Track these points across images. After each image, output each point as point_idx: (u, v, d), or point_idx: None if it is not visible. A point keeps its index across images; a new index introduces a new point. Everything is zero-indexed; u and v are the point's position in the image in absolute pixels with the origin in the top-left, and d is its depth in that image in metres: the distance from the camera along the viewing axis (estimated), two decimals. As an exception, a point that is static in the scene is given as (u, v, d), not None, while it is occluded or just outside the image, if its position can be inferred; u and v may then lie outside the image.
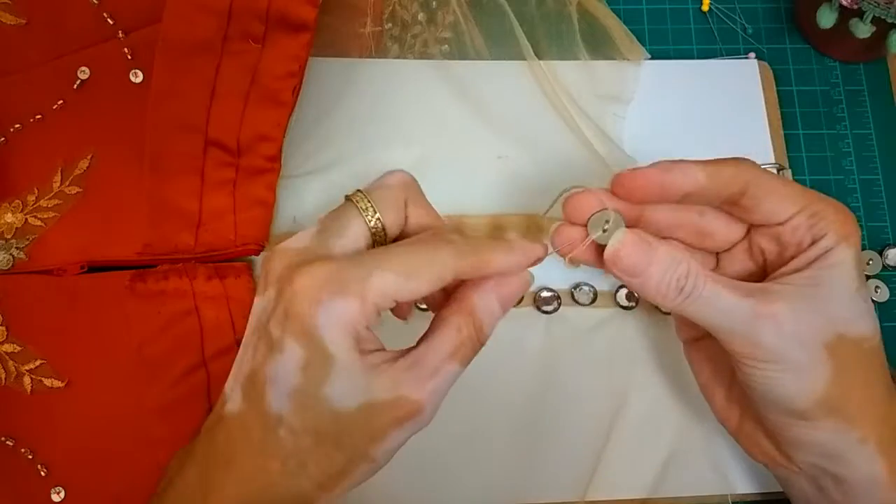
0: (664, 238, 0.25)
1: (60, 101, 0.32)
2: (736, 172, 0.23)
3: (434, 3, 0.37)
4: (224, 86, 0.29)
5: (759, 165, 0.24)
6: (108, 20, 0.33)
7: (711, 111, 0.36)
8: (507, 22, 0.36)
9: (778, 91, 0.37)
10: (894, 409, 0.23)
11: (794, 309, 0.22)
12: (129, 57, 0.32)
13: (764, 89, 0.37)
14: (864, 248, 0.35)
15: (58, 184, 0.31)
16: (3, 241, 0.31)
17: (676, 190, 0.24)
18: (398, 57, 0.36)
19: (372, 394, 0.21)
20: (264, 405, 0.21)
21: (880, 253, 0.35)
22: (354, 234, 0.23)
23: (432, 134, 0.35)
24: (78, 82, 0.32)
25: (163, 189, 0.29)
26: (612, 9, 0.37)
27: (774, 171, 0.35)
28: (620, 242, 0.23)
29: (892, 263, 0.35)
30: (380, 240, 0.24)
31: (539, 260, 0.23)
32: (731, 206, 0.25)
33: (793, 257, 0.23)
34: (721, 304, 0.22)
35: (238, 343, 0.29)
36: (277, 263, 0.22)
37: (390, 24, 0.36)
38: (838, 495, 0.24)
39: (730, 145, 0.35)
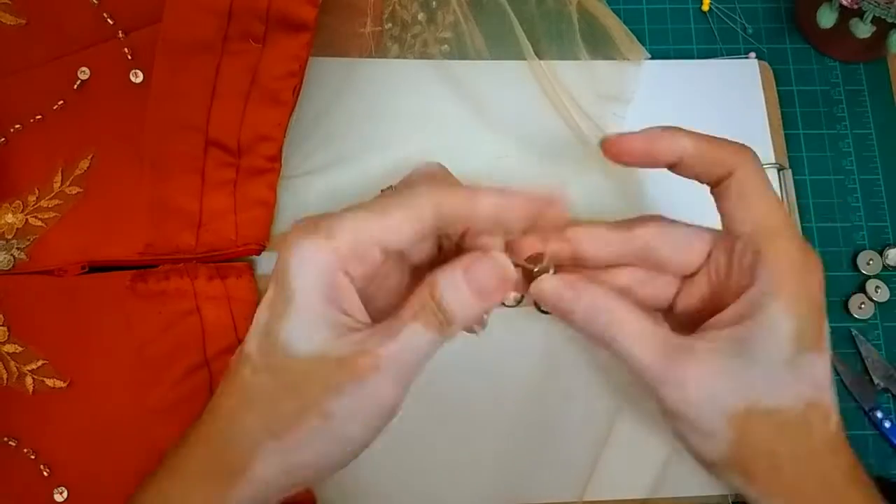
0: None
1: (61, 102, 0.32)
2: (726, 159, 0.22)
3: (434, 3, 0.37)
4: (224, 86, 0.29)
5: (759, 162, 0.23)
6: (108, 20, 0.33)
7: (711, 111, 0.36)
8: (508, 22, 0.36)
9: (778, 91, 0.37)
10: (803, 480, 0.21)
11: (705, 374, 0.21)
12: (130, 57, 0.32)
13: (764, 89, 0.37)
14: (864, 249, 0.35)
15: (58, 184, 0.31)
16: (4, 242, 0.31)
17: (663, 159, 0.23)
18: (398, 57, 0.36)
19: (332, 346, 0.20)
20: (244, 347, 0.21)
21: (880, 253, 0.35)
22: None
23: (432, 134, 0.35)
24: (78, 82, 0.32)
25: (163, 189, 0.29)
26: (612, 9, 0.37)
27: (775, 171, 0.35)
28: (540, 289, 0.23)
29: (892, 263, 0.35)
30: None
31: (550, 205, 0.21)
32: (716, 195, 0.23)
33: (733, 294, 0.22)
34: (634, 361, 0.21)
35: (240, 343, 0.29)
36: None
37: (390, 24, 0.36)
38: None
39: (730, 145, 0.36)
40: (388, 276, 0.23)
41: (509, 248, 0.24)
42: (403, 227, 0.20)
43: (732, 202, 0.22)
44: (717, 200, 0.24)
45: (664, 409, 0.22)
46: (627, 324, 0.21)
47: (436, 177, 0.24)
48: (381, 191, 0.24)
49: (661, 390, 0.21)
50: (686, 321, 0.24)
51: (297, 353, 0.20)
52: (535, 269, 0.23)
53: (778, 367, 0.20)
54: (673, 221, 0.24)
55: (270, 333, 0.20)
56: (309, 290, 0.20)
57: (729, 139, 0.23)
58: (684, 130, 0.23)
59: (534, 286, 0.23)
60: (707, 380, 0.21)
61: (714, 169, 0.23)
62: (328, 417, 0.20)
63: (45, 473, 0.28)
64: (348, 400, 0.20)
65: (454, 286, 0.21)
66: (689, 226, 0.24)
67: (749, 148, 0.23)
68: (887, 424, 0.33)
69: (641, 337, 0.21)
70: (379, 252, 0.21)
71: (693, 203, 0.35)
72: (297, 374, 0.20)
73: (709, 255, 0.23)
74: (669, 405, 0.21)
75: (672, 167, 0.24)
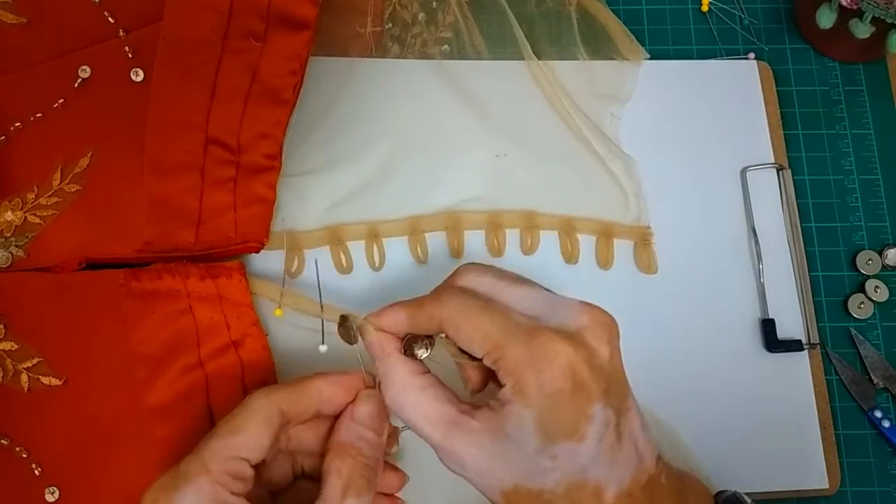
0: None
1: (61, 100, 0.32)
2: (431, 313, 0.24)
3: (434, 3, 0.37)
4: (224, 84, 0.29)
5: (465, 298, 0.24)
6: (109, 19, 0.33)
7: (711, 111, 0.36)
8: (507, 22, 0.36)
9: (777, 91, 0.37)
10: None
11: (479, 452, 0.22)
12: (130, 55, 0.32)
13: (764, 89, 0.37)
14: (863, 248, 0.35)
15: (57, 182, 0.31)
16: (3, 240, 0.31)
17: (396, 331, 0.25)
18: (398, 57, 0.36)
19: None
20: None
21: (880, 253, 0.35)
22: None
23: (432, 133, 0.35)
24: (79, 81, 0.32)
25: (163, 187, 0.29)
26: (611, 9, 0.37)
27: (774, 171, 0.35)
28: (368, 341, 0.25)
29: (891, 263, 0.35)
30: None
31: (364, 387, 0.25)
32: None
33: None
34: (423, 436, 0.24)
35: (234, 344, 0.29)
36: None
37: (391, 24, 0.37)
38: None
39: (730, 145, 0.36)
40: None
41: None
42: (261, 434, 0.23)
43: (460, 340, 0.24)
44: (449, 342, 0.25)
45: (459, 474, 0.23)
46: (417, 405, 0.24)
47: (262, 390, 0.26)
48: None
49: (445, 461, 0.23)
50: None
51: None
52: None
53: (532, 454, 0.22)
54: (467, 301, 0.24)
55: None
56: None
57: (431, 295, 0.25)
58: (399, 304, 0.25)
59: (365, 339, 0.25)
60: (480, 458, 0.22)
61: (428, 326, 0.24)
62: None
63: (36, 472, 0.28)
64: None
65: (359, 437, 0.24)
66: (478, 313, 0.23)
67: (454, 290, 0.24)
68: (886, 424, 0.33)
69: (428, 416, 0.23)
70: (248, 468, 0.23)
71: (692, 201, 0.35)
72: None
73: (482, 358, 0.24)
74: (454, 471, 0.23)
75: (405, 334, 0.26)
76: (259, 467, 0.24)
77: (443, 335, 0.25)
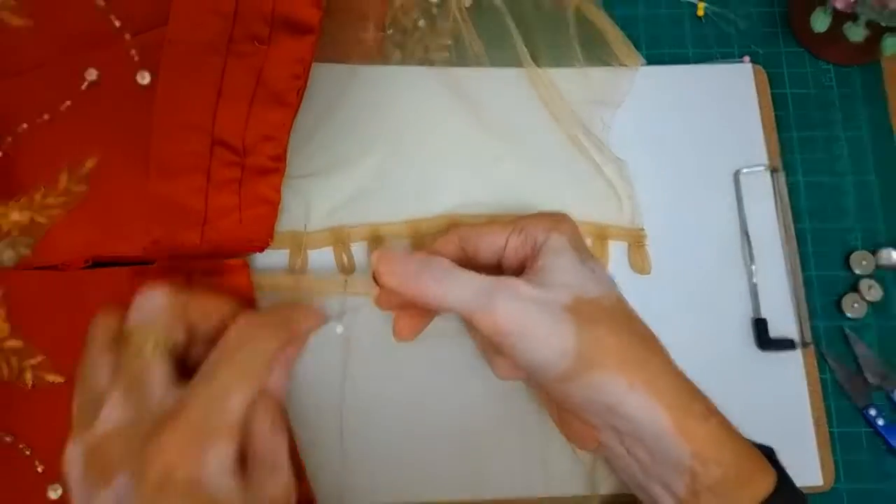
0: None
1: (68, 102, 0.32)
2: (445, 239, 0.28)
3: (435, 9, 0.37)
4: (230, 87, 0.30)
5: (467, 224, 0.29)
6: (115, 22, 0.33)
7: (706, 114, 0.37)
8: (506, 28, 0.37)
9: (772, 94, 0.37)
10: (653, 356, 0.24)
11: (529, 281, 0.25)
12: (136, 58, 0.32)
13: (758, 92, 0.37)
14: (857, 249, 0.36)
15: (64, 182, 0.32)
16: (10, 239, 0.31)
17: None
18: (400, 63, 0.37)
19: None
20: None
21: (874, 253, 0.35)
22: (159, 378, 0.24)
23: (432, 138, 0.35)
24: (85, 83, 0.32)
25: (169, 187, 0.30)
26: (608, 14, 0.38)
27: (768, 173, 0.36)
28: (377, 259, 0.26)
29: (885, 264, 0.35)
30: (179, 353, 0.25)
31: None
32: (469, 262, 0.28)
33: (529, 258, 0.27)
34: (467, 283, 0.25)
35: None
36: (111, 450, 0.22)
37: (392, 30, 0.37)
38: (645, 456, 0.24)
39: (724, 147, 0.36)
40: None
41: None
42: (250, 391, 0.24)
43: (481, 245, 0.28)
44: (478, 262, 0.28)
45: (502, 329, 0.24)
46: (467, 274, 0.25)
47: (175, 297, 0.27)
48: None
49: (496, 298, 0.24)
50: None
51: None
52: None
53: (579, 267, 0.26)
54: (473, 226, 0.29)
55: None
56: (228, 488, 0.23)
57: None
58: (408, 256, 0.27)
59: (372, 259, 0.26)
60: (534, 283, 0.25)
61: (450, 251, 0.28)
62: None
63: (39, 470, 0.28)
64: None
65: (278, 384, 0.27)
66: (489, 224, 0.29)
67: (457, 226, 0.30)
68: (881, 422, 0.33)
69: (469, 274, 0.25)
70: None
71: (686, 203, 0.36)
72: None
73: (507, 242, 0.28)
74: (508, 310, 0.24)
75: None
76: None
77: None
